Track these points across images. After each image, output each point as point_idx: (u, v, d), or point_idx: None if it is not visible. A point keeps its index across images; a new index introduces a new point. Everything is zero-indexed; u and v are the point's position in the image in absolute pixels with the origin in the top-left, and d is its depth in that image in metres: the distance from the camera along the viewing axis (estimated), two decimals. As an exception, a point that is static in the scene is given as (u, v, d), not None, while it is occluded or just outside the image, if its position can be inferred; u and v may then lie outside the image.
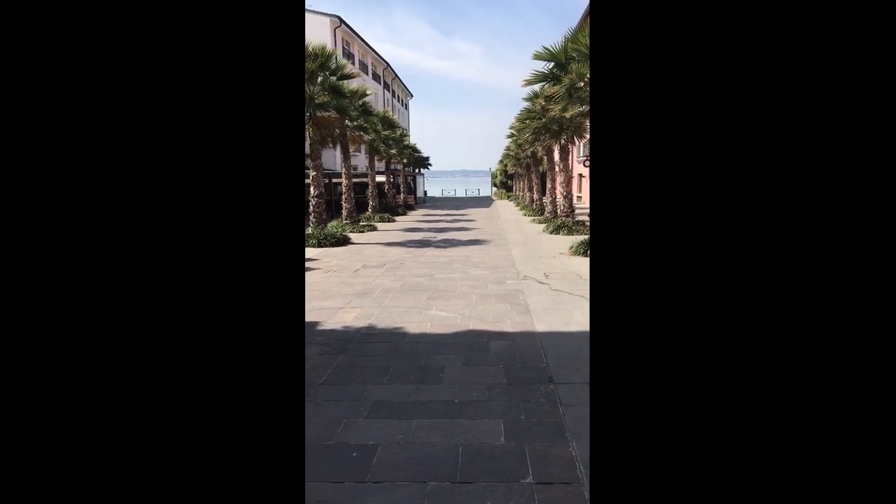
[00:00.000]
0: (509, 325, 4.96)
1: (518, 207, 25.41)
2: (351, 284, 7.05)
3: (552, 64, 10.48)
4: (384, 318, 5.25)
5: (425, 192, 40.64)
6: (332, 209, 17.38)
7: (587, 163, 12.57)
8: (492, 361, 3.94)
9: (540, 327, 4.84)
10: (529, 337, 4.55)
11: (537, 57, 10.26)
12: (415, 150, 29.49)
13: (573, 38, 9.49)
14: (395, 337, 4.64)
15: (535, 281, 7.09)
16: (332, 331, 4.85)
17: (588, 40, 8.84)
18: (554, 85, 10.69)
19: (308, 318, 5.32)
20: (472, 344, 4.39)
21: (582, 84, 9.98)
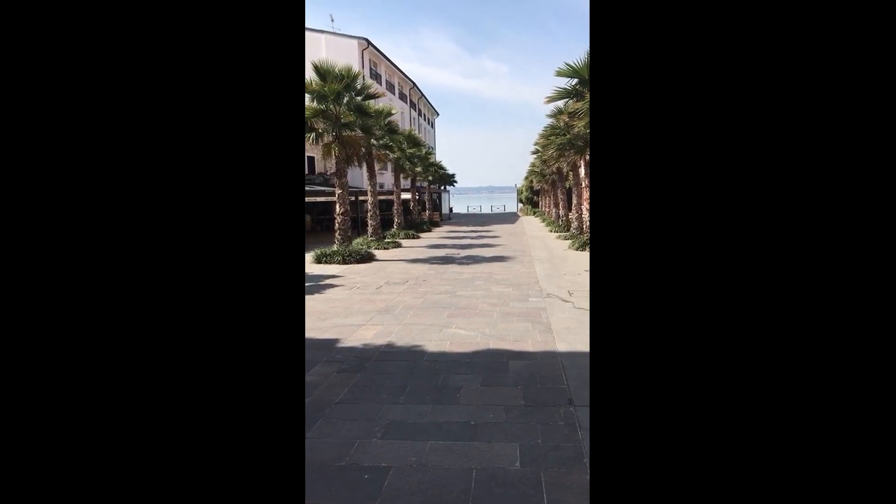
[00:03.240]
0: (530, 344, 4.86)
1: (544, 223, 25.20)
2: (373, 301, 7.07)
3: (575, 80, 10.43)
4: (404, 336, 5.23)
5: (451, 209, 40.79)
6: (358, 226, 17.60)
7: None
8: (510, 382, 3.86)
9: (561, 347, 4.73)
10: (550, 357, 4.44)
11: (560, 74, 10.23)
12: (440, 167, 29.72)
13: (596, 54, 9.45)
14: (413, 355, 4.61)
15: (558, 299, 6.97)
16: (351, 348, 4.85)
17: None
18: (577, 101, 10.64)
19: (328, 335, 5.34)
20: (492, 363, 4.31)
21: (606, 99, 9.91)
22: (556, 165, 19.51)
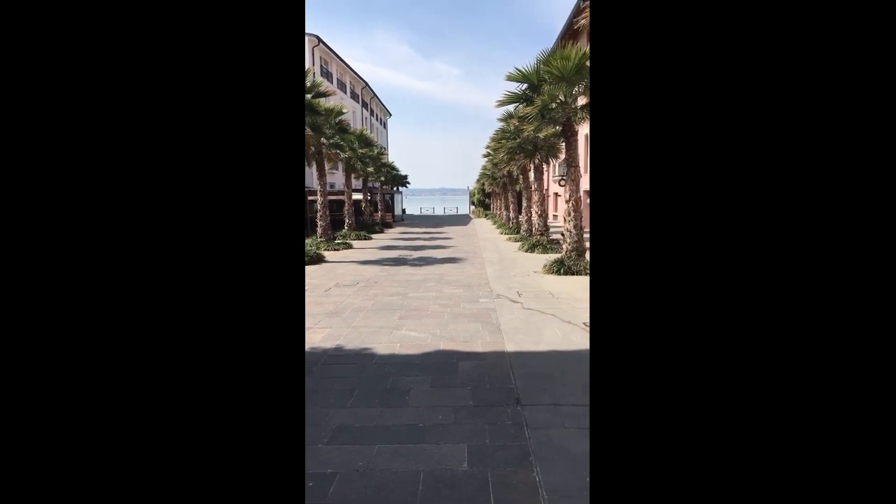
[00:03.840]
0: (480, 345, 4.90)
1: (495, 226, 25.56)
2: (321, 304, 6.91)
3: (525, 85, 10.65)
4: (353, 339, 5.14)
5: (403, 210, 40.61)
6: (308, 227, 17.17)
7: (561, 182, 12.74)
8: (459, 383, 3.87)
9: (510, 347, 4.80)
10: (499, 357, 4.50)
11: (510, 78, 10.41)
12: (392, 168, 29.52)
13: (545, 60, 9.67)
14: (362, 358, 4.54)
15: (508, 300, 7.07)
16: (297, 352, 4.71)
17: (560, 63, 9.04)
18: (527, 106, 10.86)
19: (274, 339, 5.16)
20: (441, 365, 4.31)
21: (554, 105, 10.16)
22: (507, 169, 19.84)
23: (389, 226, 27.33)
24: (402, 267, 10.76)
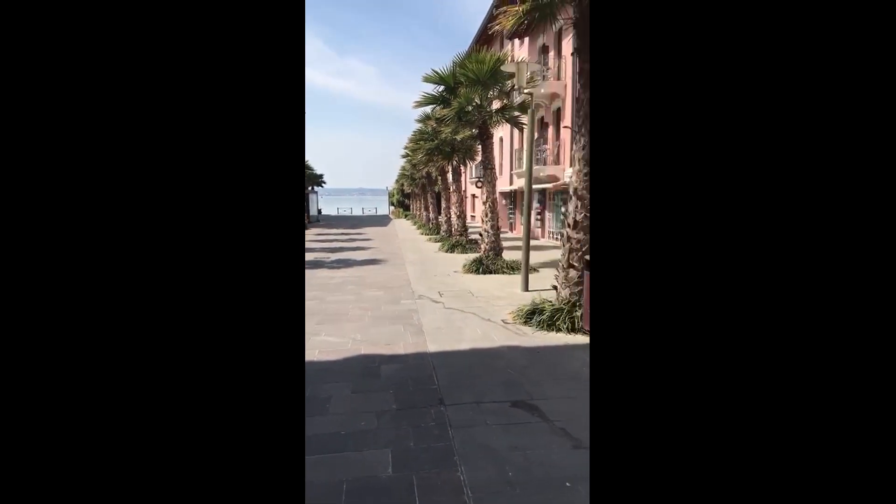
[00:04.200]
0: (402, 347, 4.87)
1: (415, 226, 25.62)
2: (232, 311, 6.49)
3: (442, 87, 10.77)
4: (268, 347, 4.88)
5: (319, 211, 39.38)
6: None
7: (478, 184, 13.03)
8: (382, 387, 3.81)
9: (433, 347, 4.81)
10: (422, 358, 4.50)
11: (427, 80, 10.47)
12: (307, 167, 28.53)
13: (461, 63, 9.84)
14: (278, 367, 4.32)
15: (429, 300, 7.10)
16: (206, 365, 4.39)
17: (475, 66, 9.23)
18: (444, 108, 10.99)
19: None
20: (363, 370, 4.22)
21: (470, 108, 10.37)
22: (426, 170, 19.94)
23: (304, 227, 26.40)
24: (318, 270, 10.42)
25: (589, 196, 5.61)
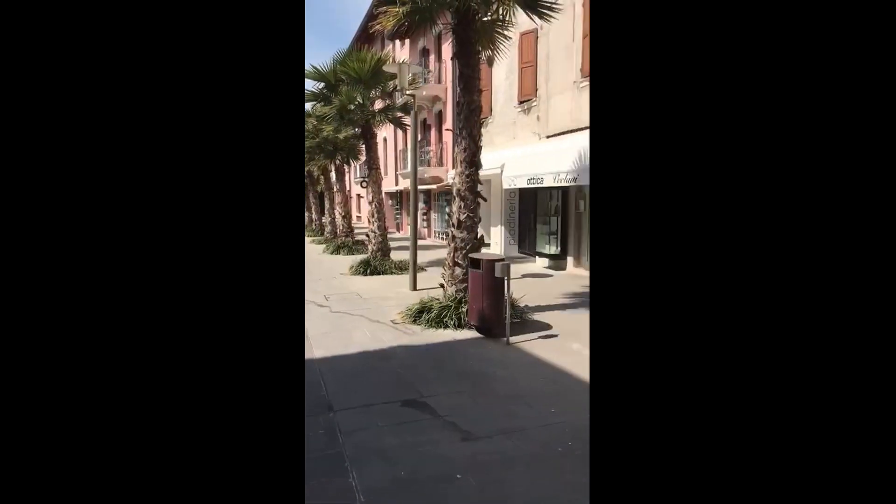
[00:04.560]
0: (286, 354, 4.63)
1: (297, 228, 24.49)
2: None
3: (322, 84, 10.45)
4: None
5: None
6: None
7: (364, 184, 12.83)
8: (265, 398, 3.59)
9: (319, 353, 4.65)
10: (308, 365, 4.32)
11: (307, 76, 10.08)
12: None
13: (342, 61, 9.63)
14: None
15: (315, 304, 6.85)
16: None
17: (356, 65, 9.10)
18: (325, 105, 10.67)
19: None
20: (243, 382, 3.94)
21: (353, 107, 10.19)
22: (307, 168, 19.20)
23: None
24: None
25: (471, 196, 5.83)
